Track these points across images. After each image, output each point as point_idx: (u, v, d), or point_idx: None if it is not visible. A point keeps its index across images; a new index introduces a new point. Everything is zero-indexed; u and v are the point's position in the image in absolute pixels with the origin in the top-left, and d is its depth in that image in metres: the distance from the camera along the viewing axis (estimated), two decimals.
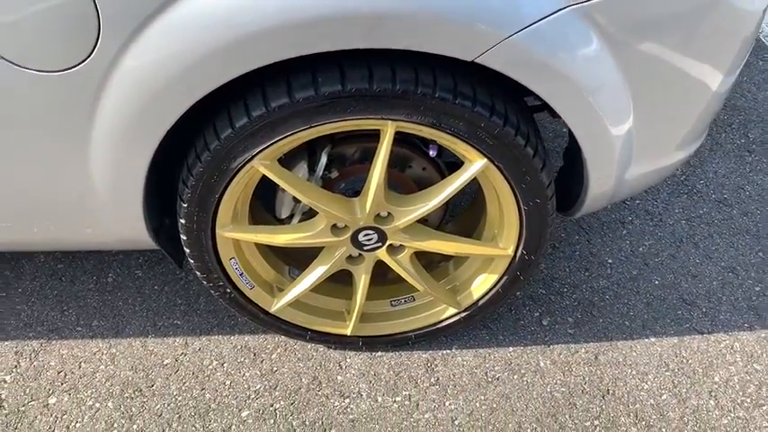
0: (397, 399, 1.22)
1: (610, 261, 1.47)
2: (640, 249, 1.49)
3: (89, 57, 0.86)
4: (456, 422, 1.18)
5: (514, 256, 1.14)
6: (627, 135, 1.02)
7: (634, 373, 1.26)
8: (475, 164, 1.01)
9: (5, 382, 1.23)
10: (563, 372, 1.26)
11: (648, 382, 1.24)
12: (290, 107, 0.91)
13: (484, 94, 0.94)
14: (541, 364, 1.27)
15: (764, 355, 1.30)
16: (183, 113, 0.91)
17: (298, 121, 0.93)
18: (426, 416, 1.19)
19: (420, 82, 0.91)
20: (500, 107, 0.95)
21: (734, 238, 1.53)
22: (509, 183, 1.03)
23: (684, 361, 1.29)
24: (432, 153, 1.09)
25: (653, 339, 1.32)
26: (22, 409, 1.18)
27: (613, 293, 1.40)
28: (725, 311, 1.37)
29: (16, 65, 0.86)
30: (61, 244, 1.15)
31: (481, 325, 1.32)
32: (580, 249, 1.49)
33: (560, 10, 0.86)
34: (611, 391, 1.23)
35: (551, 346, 1.30)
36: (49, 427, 1.16)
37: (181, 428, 1.17)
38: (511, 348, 1.30)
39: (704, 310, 1.37)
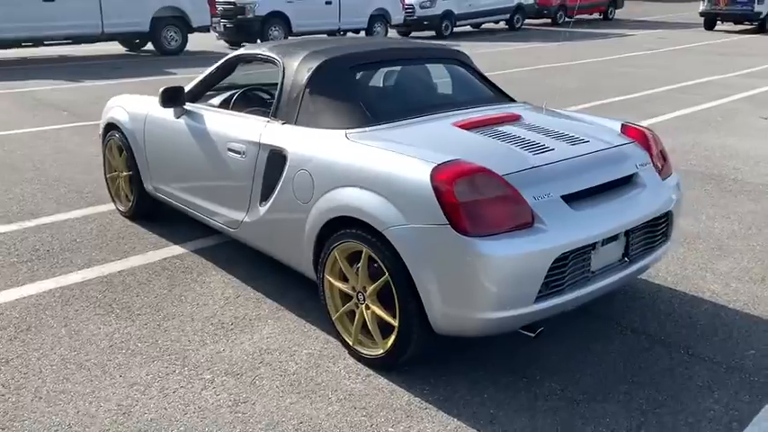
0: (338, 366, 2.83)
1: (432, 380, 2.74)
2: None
3: (309, 201, 2.95)
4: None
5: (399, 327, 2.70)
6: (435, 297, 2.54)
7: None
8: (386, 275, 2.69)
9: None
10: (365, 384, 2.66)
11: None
12: (339, 236, 2.82)
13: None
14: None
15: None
16: (323, 224, 2.90)
17: (336, 241, 2.82)
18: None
19: (370, 235, 2.69)
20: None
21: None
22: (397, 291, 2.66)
23: None
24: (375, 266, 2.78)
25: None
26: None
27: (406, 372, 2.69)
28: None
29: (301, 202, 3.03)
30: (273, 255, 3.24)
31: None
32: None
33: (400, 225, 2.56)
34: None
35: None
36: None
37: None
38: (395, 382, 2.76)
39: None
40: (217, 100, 4.12)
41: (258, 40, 15.91)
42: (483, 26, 22.89)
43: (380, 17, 18.05)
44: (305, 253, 3.07)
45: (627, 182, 3.00)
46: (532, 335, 2.70)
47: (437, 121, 3.12)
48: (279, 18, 15.84)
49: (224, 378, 2.78)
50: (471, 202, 2.48)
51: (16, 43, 12.48)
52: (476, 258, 2.45)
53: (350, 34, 18.82)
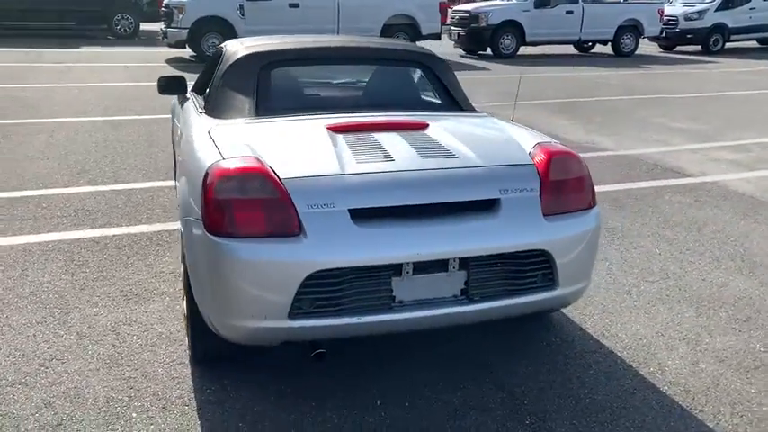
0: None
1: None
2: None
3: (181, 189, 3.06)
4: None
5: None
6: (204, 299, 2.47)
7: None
8: None
9: None
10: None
11: None
12: None
13: None
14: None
15: None
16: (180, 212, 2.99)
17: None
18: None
19: None
20: None
21: None
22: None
23: None
24: None
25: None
26: None
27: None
28: None
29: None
30: None
31: None
32: None
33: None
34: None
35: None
36: None
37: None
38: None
39: None
40: None
41: (488, 49, 15.94)
42: None
43: (631, 28, 16.75)
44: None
45: (483, 207, 2.55)
46: (311, 354, 2.49)
47: (315, 121, 2.98)
48: (512, 27, 15.67)
49: (71, 337, 3.04)
50: (228, 201, 2.37)
51: None
52: (219, 259, 2.35)
53: (598, 46, 17.82)
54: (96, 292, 3.48)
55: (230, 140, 2.74)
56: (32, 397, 2.59)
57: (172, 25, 13.46)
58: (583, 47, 18.03)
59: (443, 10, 15.01)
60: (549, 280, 2.64)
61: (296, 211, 2.36)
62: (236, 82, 3.21)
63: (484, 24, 15.52)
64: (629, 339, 3.10)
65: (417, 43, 15.31)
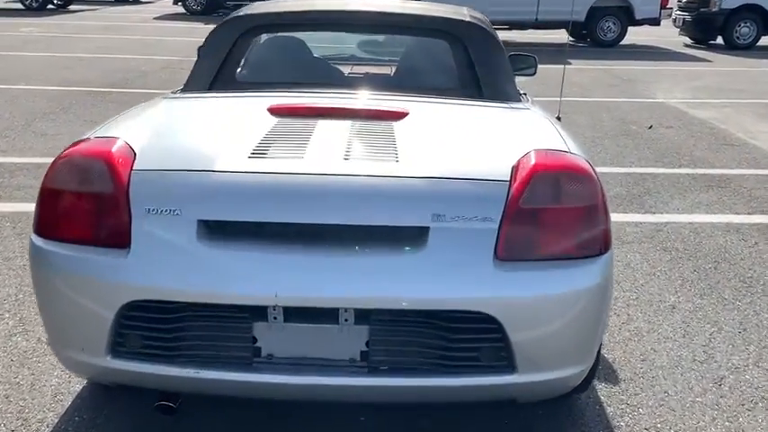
0: None
1: None
2: None
3: None
4: None
5: None
6: None
7: None
8: None
9: None
10: None
11: None
12: None
13: None
14: None
15: None
16: None
17: None
18: None
19: None
20: None
21: None
22: None
23: None
24: None
25: None
26: None
27: None
28: None
29: None
30: None
31: None
32: None
33: None
34: None
35: None
36: None
37: None
38: None
39: None
40: None
41: (720, 38, 13.67)
42: None
43: None
44: None
45: (402, 238, 1.73)
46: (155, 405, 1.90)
47: (264, 99, 2.33)
48: (753, 12, 13.23)
49: (30, 312, 2.77)
50: (55, 192, 1.83)
51: None
52: (32, 263, 1.87)
53: None
54: None
55: (134, 117, 2.22)
56: None
57: None
58: None
59: None
60: (502, 358, 1.74)
61: (129, 214, 1.75)
62: (210, 50, 2.65)
63: (716, 9, 13.25)
64: None
65: (630, 29, 13.56)
